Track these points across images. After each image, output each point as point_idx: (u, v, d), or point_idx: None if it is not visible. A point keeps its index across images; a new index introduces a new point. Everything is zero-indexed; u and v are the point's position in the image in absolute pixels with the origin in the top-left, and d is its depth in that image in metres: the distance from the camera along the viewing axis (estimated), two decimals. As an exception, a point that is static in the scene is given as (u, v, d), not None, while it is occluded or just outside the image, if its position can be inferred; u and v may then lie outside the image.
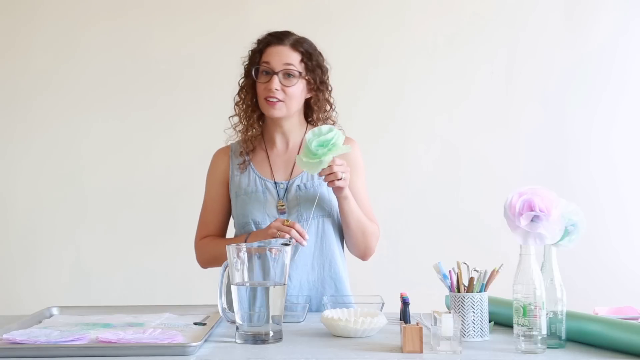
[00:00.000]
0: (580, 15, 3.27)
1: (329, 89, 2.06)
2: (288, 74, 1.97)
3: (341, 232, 2.06)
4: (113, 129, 3.28)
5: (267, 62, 1.98)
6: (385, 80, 3.26)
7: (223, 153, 2.14)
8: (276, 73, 1.96)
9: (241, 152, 2.07)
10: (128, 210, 3.27)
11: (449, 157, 3.25)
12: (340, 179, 1.84)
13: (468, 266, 1.54)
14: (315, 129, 1.82)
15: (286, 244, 1.53)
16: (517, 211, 1.40)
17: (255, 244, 1.55)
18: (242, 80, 2.07)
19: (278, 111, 1.99)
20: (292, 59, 1.98)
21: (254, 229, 1.98)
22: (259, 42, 2.03)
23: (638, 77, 3.27)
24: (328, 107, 2.07)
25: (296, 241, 1.84)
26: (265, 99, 1.97)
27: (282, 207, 2.00)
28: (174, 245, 3.25)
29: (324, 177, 1.85)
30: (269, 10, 3.26)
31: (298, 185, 2.01)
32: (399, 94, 3.27)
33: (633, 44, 3.26)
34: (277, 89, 1.96)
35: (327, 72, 2.05)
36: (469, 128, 3.25)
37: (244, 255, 1.50)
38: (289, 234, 1.83)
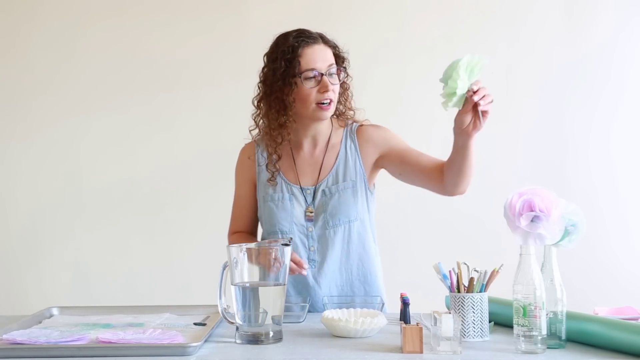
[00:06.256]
0: (580, 14, 3.27)
1: (351, 77, 2.01)
2: (331, 73, 1.90)
3: (370, 234, 2.00)
4: (113, 129, 3.28)
5: (312, 68, 1.87)
6: (385, 80, 3.26)
7: (249, 150, 2.09)
8: (325, 75, 1.88)
9: (270, 154, 1.98)
10: (128, 210, 3.27)
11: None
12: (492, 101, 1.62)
13: (468, 266, 1.54)
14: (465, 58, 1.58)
15: (286, 244, 1.53)
16: (517, 211, 1.40)
17: (255, 244, 1.55)
18: (270, 87, 1.92)
19: (330, 112, 1.93)
20: (330, 56, 1.92)
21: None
22: (291, 47, 1.88)
23: (637, 75, 3.27)
24: (350, 97, 2.02)
25: (294, 271, 1.79)
26: (318, 104, 1.89)
27: (311, 214, 1.97)
28: (174, 245, 3.25)
29: (458, 105, 1.61)
30: (268, 9, 3.26)
31: (323, 190, 1.97)
32: (399, 93, 3.26)
33: (632, 42, 3.26)
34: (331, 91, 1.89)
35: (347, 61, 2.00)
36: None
37: (243, 255, 1.50)
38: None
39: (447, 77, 1.58)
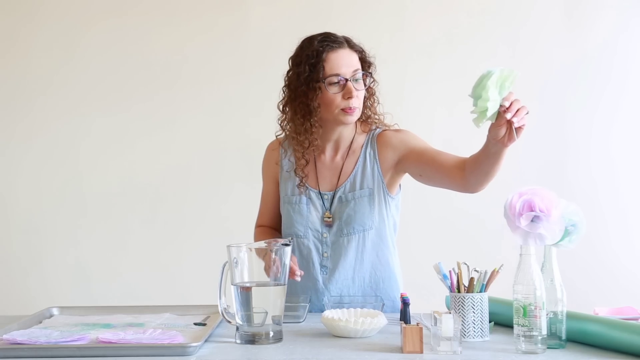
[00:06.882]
0: (580, 14, 3.27)
1: (377, 83, 1.98)
2: (356, 79, 1.88)
3: (385, 243, 1.99)
4: (113, 129, 3.28)
5: (336, 74, 1.85)
6: (385, 80, 3.24)
7: (274, 148, 2.08)
8: (350, 80, 1.86)
9: (298, 158, 1.96)
10: (129, 210, 3.27)
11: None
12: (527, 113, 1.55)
13: (468, 266, 1.54)
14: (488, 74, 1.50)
15: (286, 244, 1.53)
16: (518, 211, 1.40)
17: (255, 245, 1.55)
18: (294, 92, 1.89)
19: (355, 117, 1.90)
20: (355, 61, 1.89)
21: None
22: (315, 51, 1.86)
23: (638, 76, 3.27)
24: (376, 102, 2.00)
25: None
26: (343, 109, 1.86)
27: (329, 220, 1.96)
28: (175, 245, 3.25)
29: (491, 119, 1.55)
30: (269, 9, 3.26)
31: (340, 197, 1.95)
32: (399, 93, 3.26)
33: (633, 42, 3.26)
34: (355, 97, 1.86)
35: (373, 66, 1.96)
36: (469, 127, 3.24)
37: (244, 255, 1.50)
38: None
39: (476, 97, 1.52)
